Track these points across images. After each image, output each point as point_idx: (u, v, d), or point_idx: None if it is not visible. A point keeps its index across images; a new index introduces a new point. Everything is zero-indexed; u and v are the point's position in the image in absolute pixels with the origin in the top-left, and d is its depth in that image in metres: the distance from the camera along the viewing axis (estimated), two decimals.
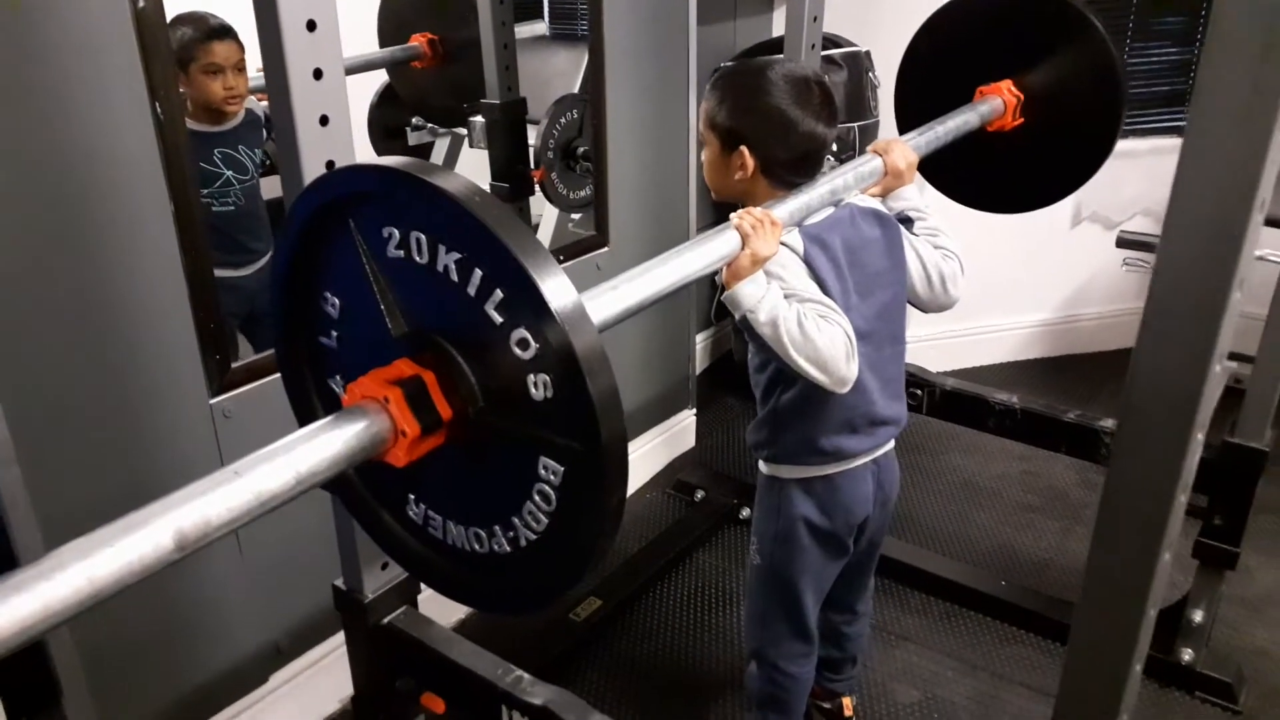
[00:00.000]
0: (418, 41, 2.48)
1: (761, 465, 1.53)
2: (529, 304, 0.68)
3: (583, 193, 2.39)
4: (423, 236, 0.74)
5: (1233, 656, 1.98)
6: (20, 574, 0.58)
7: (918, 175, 1.52)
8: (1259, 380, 1.71)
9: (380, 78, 2.67)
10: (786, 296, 1.26)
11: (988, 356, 3.28)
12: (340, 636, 1.42)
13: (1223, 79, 0.59)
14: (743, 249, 1.20)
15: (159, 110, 1.41)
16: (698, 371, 2.91)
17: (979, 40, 1.74)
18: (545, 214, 2.64)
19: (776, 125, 1.32)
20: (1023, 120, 1.70)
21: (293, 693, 1.86)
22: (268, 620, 1.79)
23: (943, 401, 2.08)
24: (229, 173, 2.04)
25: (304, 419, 0.95)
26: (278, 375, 1.60)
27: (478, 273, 0.71)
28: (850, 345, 1.26)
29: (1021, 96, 1.69)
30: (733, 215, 1.23)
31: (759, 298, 1.24)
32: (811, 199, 1.31)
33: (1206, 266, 0.62)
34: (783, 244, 1.28)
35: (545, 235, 2.62)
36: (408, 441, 0.74)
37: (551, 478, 0.75)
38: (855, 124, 2.54)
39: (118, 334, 1.47)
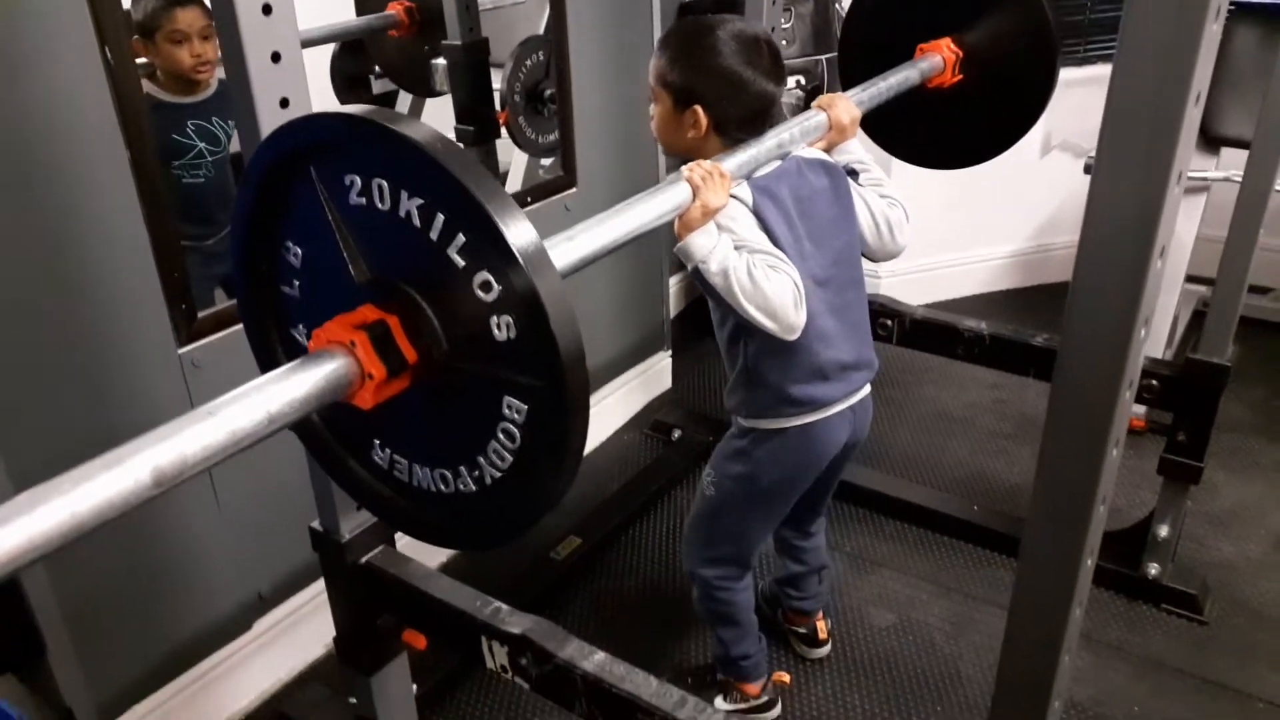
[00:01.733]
0: (394, 9, 2.43)
1: (739, 420, 1.56)
2: (491, 247, 0.70)
3: (552, 137, 2.37)
4: (384, 183, 0.75)
5: (1198, 570, 2.04)
6: (3, 508, 0.60)
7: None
8: (1219, 297, 1.73)
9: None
10: (737, 247, 1.30)
11: (960, 289, 3.30)
12: (322, 581, 1.44)
13: None
14: (693, 201, 1.23)
15: (109, 58, 1.39)
16: (673, 314, 2.92)
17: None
18: (514, 159, 2.62)
19: (730, 85, 1.36)
20: (962, 76, 1.75)
21: (277, 639, 1.88)
22: (249, 569, 1.81)
23: (912, 330, 2.09)
24: (201, 144, 2.02)
25: (267, 368, 0.95)
26: None
27: (440, 217, 0.72)
28: (798, 293, 1.30)
29: (960, 53, 1.74)
30: (683, 168, 1.25)
31: (710, 248, 1.28)
32: (759, 152, 1.34)
33: (1145, 158, 0.63)
34: (733, 196, 1.31)
35: (515, 180, 2.60)
36: (374, 384, 0.76)
37: (515, 416, 0.77)
38: (822, 56, 2.52)
39: (81, 287, 1.46)
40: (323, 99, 2.46)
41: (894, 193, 1.54)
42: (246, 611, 1.83)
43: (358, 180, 0.77)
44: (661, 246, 2.75)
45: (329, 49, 2.59)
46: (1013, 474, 2.43)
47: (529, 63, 2.31)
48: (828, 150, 1.51)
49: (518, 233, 0.69)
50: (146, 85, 1.86)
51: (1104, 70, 2.40)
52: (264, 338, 0.95)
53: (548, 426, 0.75)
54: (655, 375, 2.82)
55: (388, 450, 0.92)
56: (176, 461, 0.65)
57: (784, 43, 2.32)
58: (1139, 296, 0.68)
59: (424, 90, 2.65)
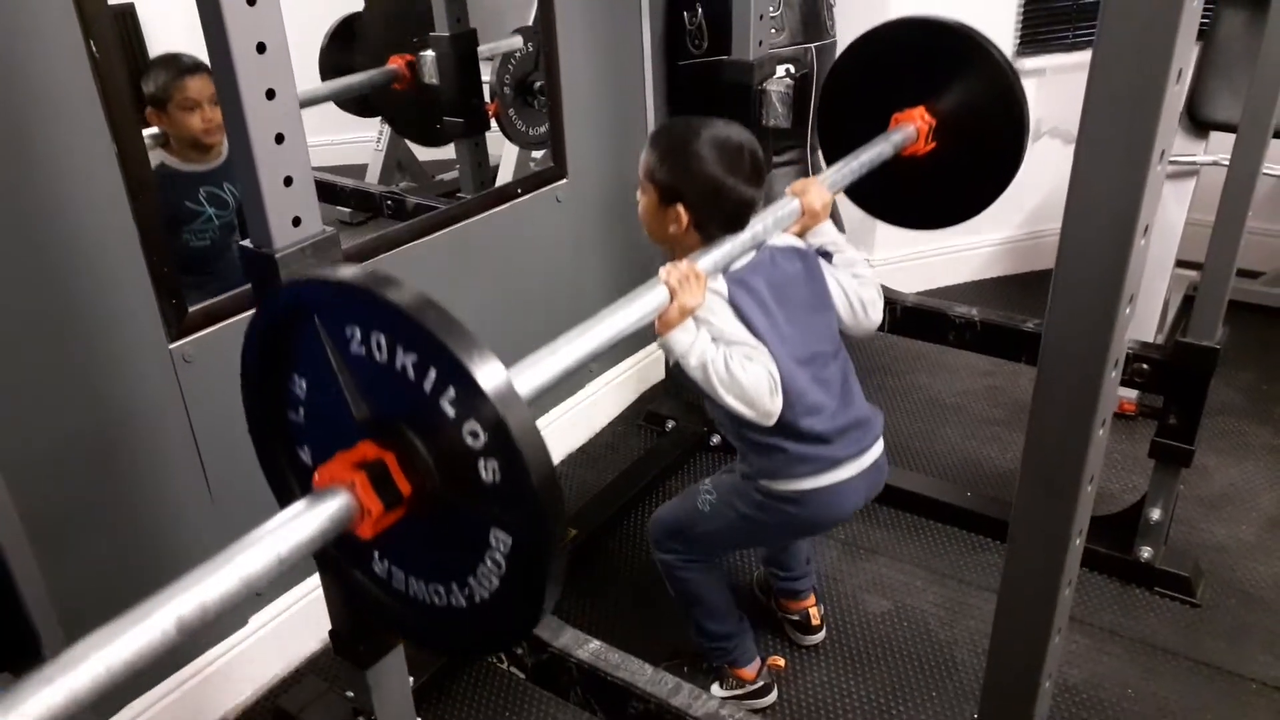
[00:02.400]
0: (395, 64, 2.44)
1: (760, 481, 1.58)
2: (477, 404, 0.77)
3: (542, 129, 2.37)
4: (382, 337, 0.82)
5: (1190, 553, 2.05)
6: (46, 669, 0.68)
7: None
8: (1208, 280, 1.74)
9: (332, 16, 2.61)
10: (714, 339, 1.39)
11: (953, 276, 3.31)
12: (317, 577, 1.44)
13: None
14: (671, 302, 1.31)
15: (94, 49, 1.38)
16: None
17: (893, 69, 1.83)
18: (505, 151, 2.62)
19: (711, 191, 1.44)
20: (935, 145, 1.80)
21: (273, 634, 1.89)
22: None
23: (904, 317, 2.10)
24: (210, 209, 2.10)
25: (275, 485, 1.07)
26: (237, 318, 1.62)
27: (432, 372, 0.79)
28: (773, 382, 1.39)
29: (934, 122, 1.78)
30: (661, 270, 1.32)
31: (689, 344, 1.37)
32: (734, 248, 1.43)
33: (1127, 136, 0.63)
34: (711, 290, 1.39)
35: (506, 173, 2.60)
36: (373, 519, 0.83)
37: (501, 546, 0.84)
38: (813, 45, 2.52)
39: (72, 285, 1.45)
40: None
41: (867, 271, 1.61)
42: (242, 607, 1.83)
43: (358, 332, 0.84)
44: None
45: (318, 38, 2.59)
46: (1005, 460, 2.44)
47: (518, 54, 2.31)
48: (801, 234, 1.59)
49: (501, 395, 0.76)
50: (161, 154, 2.04)
51: (1081, 56, 2.41)
52: (273, 458, 1.04)
53: (530, 559, 0.83)
54: (650, 365, 2.82)
55: (386, 562, 1.00)
56: (197, 610, 0.74)
57: (773, 31, 2.32)
58: (1123, 274, 0.68)
59: (432, 141, 2.72)
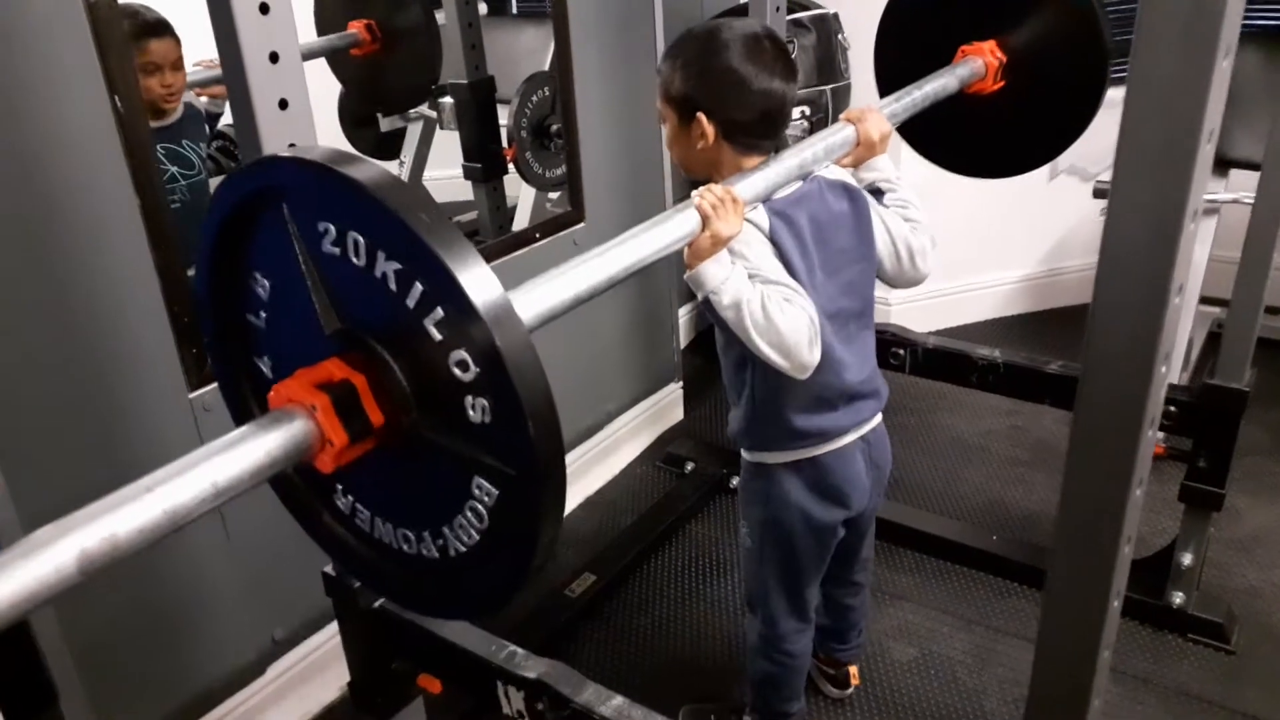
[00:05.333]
0: (355, 28, 2.40)
1: (744, 453, 1.52)
2: (471, 330, 0.65)
3: (559, 171, 2.38)
4: (360, 239, 0.70)
5: (1223, 598, 2.00)
6: None
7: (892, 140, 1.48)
8: (1235, 321, 1.71)
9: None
10: (750, 277, 1.23)
11: (971, 315, 3.29)
12: (335, 625, 1.43)
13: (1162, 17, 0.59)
14: (703, 230, 1.16)
15: (119, 104, 1.40)
16: (683, 344, 2.91)
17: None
18: (522, 194, 2.63)
19: (729, 85, 1.28)
20: (1004, 83, 1.66)
21: (291, 683, 1.87)
22: (262, 612, 1.80)
23: (925, 360, 2.08)
24: (174, 168, 2.01)
25: (231, 402, 0.92)
26: None
27: (418, 286, 0.67)
28: (813, 330, 1.23)
29: (1005, 59, 1.65)
30: (694, 193, 1.18)
31: (723, 279, 1.20)
32: (778, 173, 1.26)
33: (1159, 196, 0.62)
34: (748, 220, 1.24)
35: (523, 216, 2.61)
36: (335, 450, 0.71)
37: (485, 498, 0.73)
38: (827, 87, 2.53)
39: (93, 333, 1.46)
40: (332, 138, 2.48)
41: (921, 217, 1.45)
42: (260, 655, 1.82)
43: (332, 229, 0.71)
44: (671, 276, 2.74)
45: (335, 88, 2.61)
46: (1031, 502, 2.40)
47: (535, 98, 2.33)
48: (854, 166, 1.43)
49: (503, 323, 0.64)
50: None
51: (1111, 93, 2.38)
52: (227, 366, 0.90)
53: (517, 518, 0.71)
54: (667, 406, 2.80)
55: (349, 497, 0.87)
56: (107, 544, 0.59)
57: None
58: (1158, 333, 0.67)
59: (400, 107, 2.63)
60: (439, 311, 0.67)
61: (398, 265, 0.68)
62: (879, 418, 1.51)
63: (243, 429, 0.69)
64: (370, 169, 0.69)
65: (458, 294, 0.64)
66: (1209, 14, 0.55)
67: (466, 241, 0.66)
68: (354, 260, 0.70)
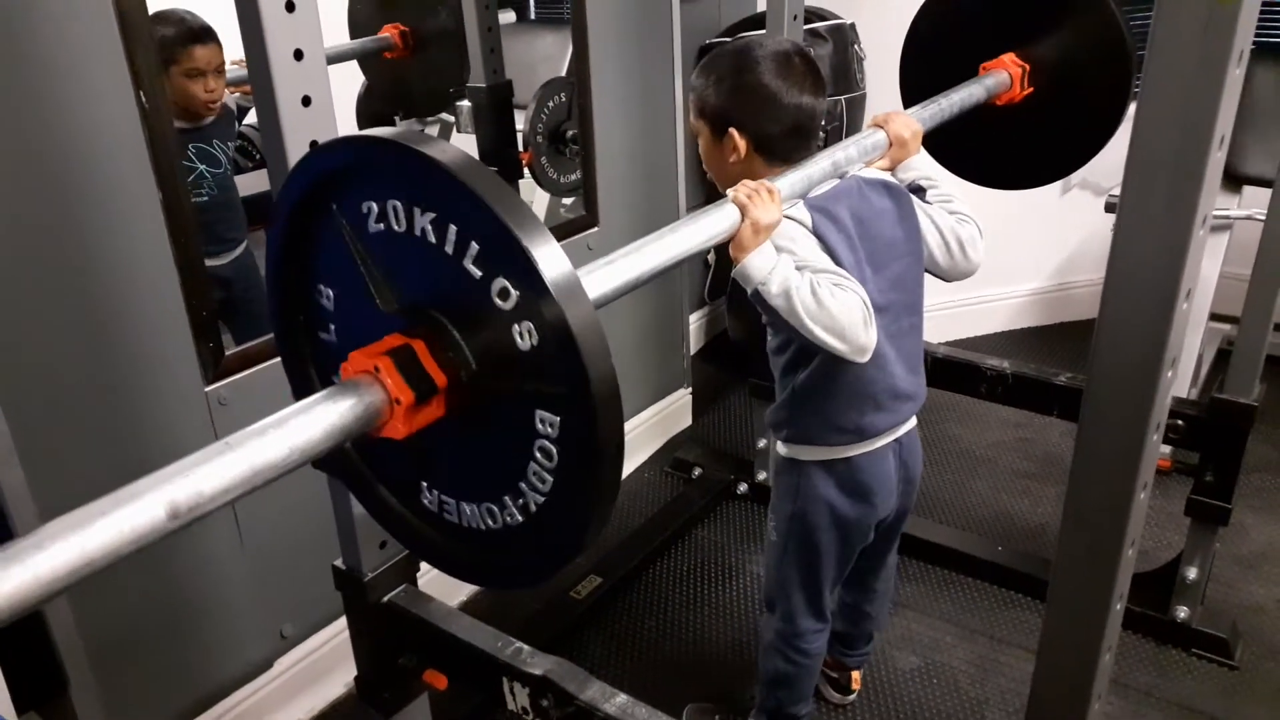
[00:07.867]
0: (389, 32, 2.44)
1: (780, 446, 1.52)
2: (502, 249, 0.69)
3: (573, 176, 2.40)
4: (398, 203, 0.75)
5: (1228, 613, 2.00)
6: (15, 545, 0.59)
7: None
8: (1244, 336, 1.72)
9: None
10: (799, 268, 1.23)
11: (982, 327, 3.29)
12: (343, 621, 1.44)
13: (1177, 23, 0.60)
14: (742, 221, 1.17)
15: (144, 100, 1.42)
16: (693, 350, 2.92)
17: (982, 14, 1.72)
18: (536, 199, 2.65)
19: (761, 100, 1.31)
20: (1030, 90, 1.67)
21: (298, 677, 1.88)
22: (271, 607, 1.81)
23: (934, 369, 2.08)
24: (202, 166, 2.03)
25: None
26: (271, 362, 1.64)
27: (452, 229, 0.72)
28: (867, 311, 1.23)
29: (1026, 66, 1.66)
30: (730, 189, 1.20)
31: (769, 269, 1.21)
32: (813, 171, 1.28)
33: (1169, 203, 0.63)
34: (789, 218, 1.25)
35: None
36: (403, 410, 0.74)
37: (550, 430, 0.75)
38: (842, 97, 2.54)
39: (111, 326, 1.48)
40: None
41: (965, 208, 1.46)
42: (268, 650, 1.83)
43: (374, 206, 0.77)
44: (681, 283, 2.76)
45: (355, 90, 2.64)
46: (1037, 514, 2.40)
47: (551, 104, 2.35)
48: (890, 169, 1.44)
49: (526, 229, 0.68)
50: None
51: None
52: (308, 388, 0.94)
53: (581, 436, 0.73)
54: (676, 412, 2.81)
55: (435, 491, 0.90)
56: (193, 496, 0.64)
57: None
58: (1165, 340, 0.68)
59: (422, 111, 2.66)
60: (474, 246, 0.71)
61: (432, 215, 0.73)
62: (913, 420, 1.51)
63: (315, 395, 0.73)
64: (396, 131, 0.74)
65: (484, 216, 0.68)
66: (1224, 19, 0.56)
67: (490, 172, 0.70)
68: (396, 228, 0.75)
